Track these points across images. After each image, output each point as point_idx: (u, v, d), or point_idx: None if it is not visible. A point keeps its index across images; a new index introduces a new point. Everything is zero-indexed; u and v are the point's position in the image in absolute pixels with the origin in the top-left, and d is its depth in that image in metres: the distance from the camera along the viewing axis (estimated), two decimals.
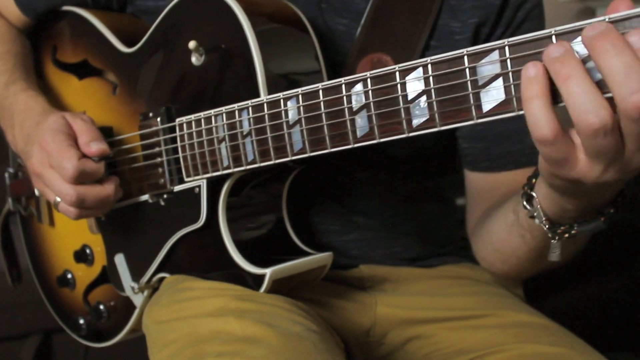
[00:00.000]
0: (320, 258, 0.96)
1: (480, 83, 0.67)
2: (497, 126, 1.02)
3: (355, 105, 0.75)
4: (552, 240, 0.78)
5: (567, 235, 0.77)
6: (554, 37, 0.62)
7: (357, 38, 1.00)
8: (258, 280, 0.90)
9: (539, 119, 0.61)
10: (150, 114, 0.98)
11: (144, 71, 1.01)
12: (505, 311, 1.01)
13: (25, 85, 1.07)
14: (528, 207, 0.79)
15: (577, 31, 0.61)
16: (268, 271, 0.89)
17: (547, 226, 0.77)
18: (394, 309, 1.04)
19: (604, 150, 0.61)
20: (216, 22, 0.91)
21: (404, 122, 0.72)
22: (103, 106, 1.07)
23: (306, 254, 0.97)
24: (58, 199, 0.95)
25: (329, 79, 0.93)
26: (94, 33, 1.08)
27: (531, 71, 0.61)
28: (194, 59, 0.93)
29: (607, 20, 0.59)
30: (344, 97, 0.76)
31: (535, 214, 0.78)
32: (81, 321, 1.16)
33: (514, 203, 0.89)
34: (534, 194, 0.78)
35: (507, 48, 0.65)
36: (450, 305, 1.04)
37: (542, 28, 1.05)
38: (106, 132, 1.03)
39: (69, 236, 1.15)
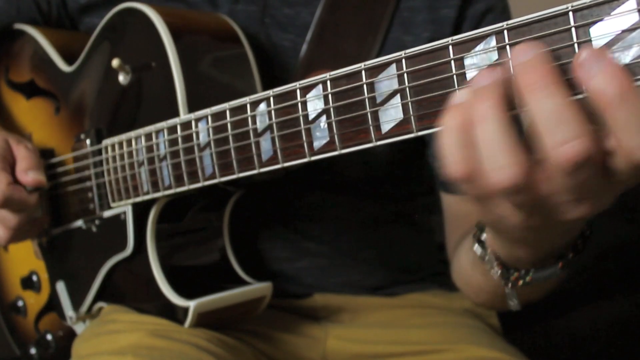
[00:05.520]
0: (256, 289, 0.89)
1: (378, 100, 0.59)
2: None
3: (259, 126, 0.69)
4: (505, 288, 0.67)
5: (521, 282, 0.66)
6: (450, 47, 0.55)
7: (303, 54, 0.94)
8: (184, 313, 0.84)
9: (448, 155, 0.51)
10: (82, 136, 0.93)
11: (80, 91, 0.97)
12: (465, 345, 0.92)
13: None
14: (479, 249, 0.68)
15: (476, 40, 0.54)
16: (192, 304, 0.83)
17: (499, 272, 0.66)
18: (345, 342, 0.96)
19: (519, 205, 0.51)
20: (141, 40, 0.86)
21: (306, 144, 0.65)
22: (47, 127, 1.04)
23: (246, 284, 0.90)
24: None
25: None
26: (39, 52, 1.05)
27: (457, 98, 0.51)
28: (121, 78, 0.88)
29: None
30: (249, 118, 0.70)
31: (486, 258, 0.67)
32: (32, 351, 1.12)
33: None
34: (483, 237, 0.67)
35: (404, 61, 0.58)
36: (406, 338, 0.95)
37: None
38: (47, 154, 1.00)
39: (19, 262, 1.12)
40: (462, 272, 0.85)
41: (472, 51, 0.54)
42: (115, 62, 0.86)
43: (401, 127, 0.58)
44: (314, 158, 0.65)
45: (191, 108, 0.81)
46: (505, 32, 0.52)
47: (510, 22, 0.51)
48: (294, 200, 0.99)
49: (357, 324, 1.00)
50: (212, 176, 0.74)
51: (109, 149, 0.88)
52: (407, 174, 1.06)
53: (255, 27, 0.94)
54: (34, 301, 1.11)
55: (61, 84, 1.01)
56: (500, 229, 0.59)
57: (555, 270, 0.64)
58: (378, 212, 1.04)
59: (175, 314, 0.86)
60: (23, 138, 0.99)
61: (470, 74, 0.54)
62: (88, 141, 0.92)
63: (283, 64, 0.95)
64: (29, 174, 0.91)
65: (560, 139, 0.45)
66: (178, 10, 0.92)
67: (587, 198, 0.50)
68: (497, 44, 0.52)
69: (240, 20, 0.93)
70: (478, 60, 0.53)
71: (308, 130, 0.65)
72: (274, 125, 0.67)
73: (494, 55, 0.53)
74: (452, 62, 0.55)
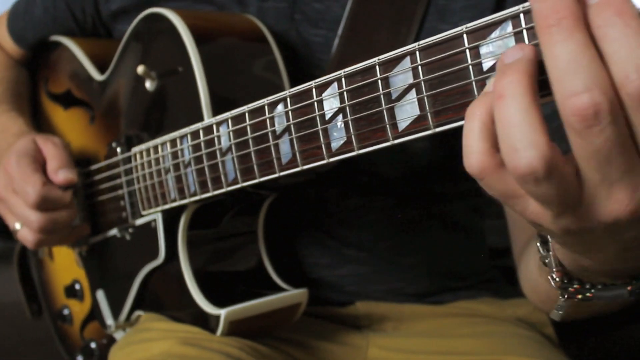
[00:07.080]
0: (291, 295, 0.86)
1: (393, 96, 0.56)
2: None
3: (278, 128, 0.66)
4: (560, 297, 0.59)
5: (579, 296, 0.58)
6: (465, 35, 0.51)
7: (335, 49, 0.90)
8: (216, 321, 0.82)
9: (467, 145, 0.46)
10: (113, 144, 0.93)
11: (111, 99, 0.97)
12: (515, 356, 0.86)
13: (9, 107, 1.07)
14: (542, 251, 0.60)
15: (491, 26, 0.49)
16: (222, 312, 0.81)
17: (557, 279, 0.59)
18: (387, 352, 0.92)
19: (541, 196, 0.44)
20: (165, 45, 0.85)
21: (324, 146, 0.62)
22: (83, 136, 1.04)
23: (281, 290, 0.88)
24: (17, 226, 0.92)
25: None
26: (74, 62, 1.06)
27: (488, 86, 0.47)
28: (148, 85, 0.87)
29: None
30: (267, 120, 0.67)
31: (547, 260, 0.60)
32: (79, 358, 1.13)
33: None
34: (549, 237, 0.59)
35: (417, 53, 0.54)
36: (452, 348, 0.90)
37: None
38: (84, 163, 1.01)
39: (63, 270, 1.13)
40: (529, 277, 0.77)
41: (488, 38, 0.49)
42: (140, 69, 0.85)
43: (418, 123, 0.54)
44: (332, 160, 0.61)
45: (215, 112, 0.79)
46: (522, 15, 0.47)
47: (526, 4, 0.46)
48: (332, 205, 0.95)
49: (401, 333, 0.96)
50: (235, 181, 0.72)
51: (138, 156, 0.87)
52: (453, 171, 1.00)
53: (285, 24, 0.91)
54: (78, 309, 1.12)
55: (94, 93, 1.02)
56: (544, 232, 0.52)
57: (621, 292, 0.56)
58: (421, 214, 0.99)
59: (207, 322, 0.84)
60: (50, 135, 0.99)
61: (486, 64, 0.49)
62: (119, 149, 0.91)
63: (315, 60, 0.91)
64: (59, 174, 0.92)
65: (568, 90, 0.39)
66: (202, 13, 0.91)
67: (616, 178, 0.42)
68: (513, 29, 0.48)
69: (269, 18, 0.90)
70: (494, 47, 0.49)
71: (325, 131, 0.61)
72: (292, 127, 0.64)
73: (511, 42, 0.48)
74: (467, 51, 0.50)
